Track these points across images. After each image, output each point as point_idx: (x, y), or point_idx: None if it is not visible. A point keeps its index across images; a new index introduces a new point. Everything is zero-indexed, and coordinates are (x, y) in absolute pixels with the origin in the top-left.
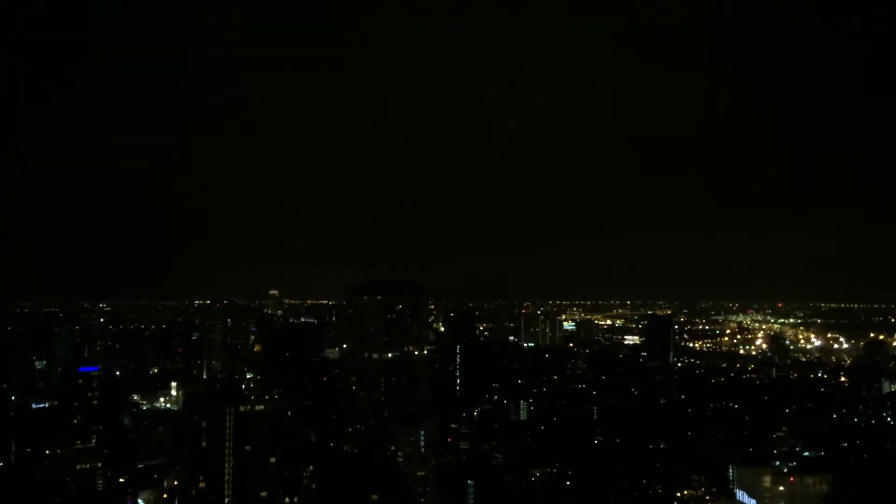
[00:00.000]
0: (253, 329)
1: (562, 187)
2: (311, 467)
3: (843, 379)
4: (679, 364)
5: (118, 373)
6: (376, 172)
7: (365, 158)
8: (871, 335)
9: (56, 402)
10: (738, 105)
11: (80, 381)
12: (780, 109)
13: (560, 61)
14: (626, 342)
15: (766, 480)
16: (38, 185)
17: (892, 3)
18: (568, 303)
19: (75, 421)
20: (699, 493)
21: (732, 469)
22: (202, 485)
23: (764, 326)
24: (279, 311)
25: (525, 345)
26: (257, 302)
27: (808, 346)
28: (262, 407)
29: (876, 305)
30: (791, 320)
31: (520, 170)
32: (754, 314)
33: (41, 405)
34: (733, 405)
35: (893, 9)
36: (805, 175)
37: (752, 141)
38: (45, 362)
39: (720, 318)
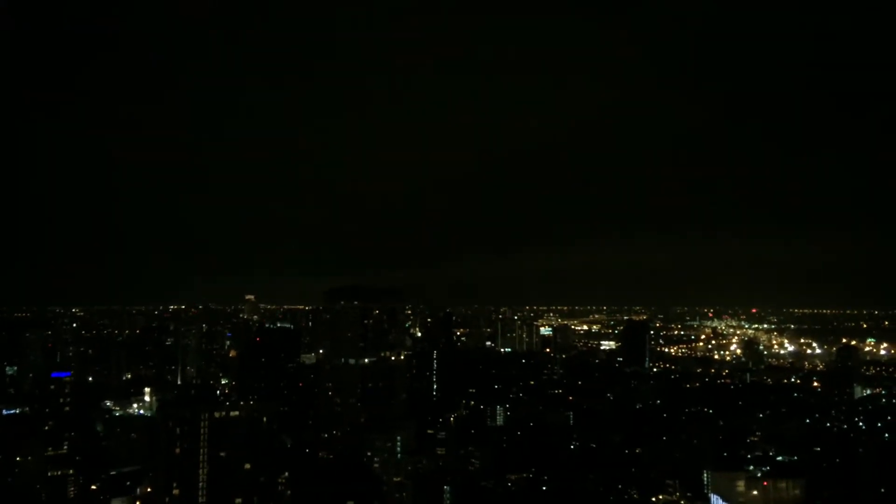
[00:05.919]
0: (228, 334)
1: (539, 193)
2: (287, 473)
3: (815, 384)
4: (655, 369)
5: (91, 378)
6: (354, 177)
7: (344, 162)
8: (844, 341)
9: (28, 408)
10: (720, 112)
11: (53, 386)
12: (762, 117)
13: (541, 66)
14: (602, 347)
15: (740, 485)
16: (10, 188)
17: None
18: (545, 308)
19: (47, 427)
20: (674, 497)
21: (707, 474)
22: (176, 492)
23: (738, 332)
24: (255, 317)
25: (502, 350)
26: (233, 307)
27: (782, 352)
28: (236, 413)
29: (848, 311)
30: (765, 326)
31: (498, 175)
32: (729, 320)
33: (12, 411)
34: (708, 410)
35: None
36: (782, 182)
37: (731, 148)
38: (16, 368)
39: (695, 324)
